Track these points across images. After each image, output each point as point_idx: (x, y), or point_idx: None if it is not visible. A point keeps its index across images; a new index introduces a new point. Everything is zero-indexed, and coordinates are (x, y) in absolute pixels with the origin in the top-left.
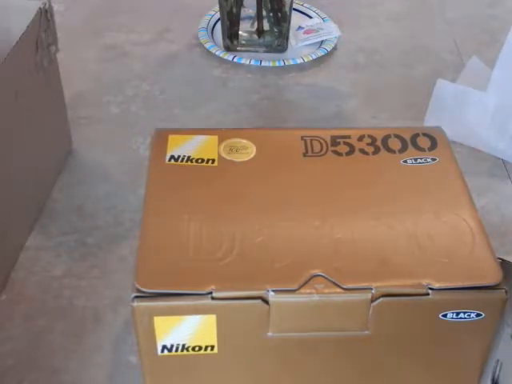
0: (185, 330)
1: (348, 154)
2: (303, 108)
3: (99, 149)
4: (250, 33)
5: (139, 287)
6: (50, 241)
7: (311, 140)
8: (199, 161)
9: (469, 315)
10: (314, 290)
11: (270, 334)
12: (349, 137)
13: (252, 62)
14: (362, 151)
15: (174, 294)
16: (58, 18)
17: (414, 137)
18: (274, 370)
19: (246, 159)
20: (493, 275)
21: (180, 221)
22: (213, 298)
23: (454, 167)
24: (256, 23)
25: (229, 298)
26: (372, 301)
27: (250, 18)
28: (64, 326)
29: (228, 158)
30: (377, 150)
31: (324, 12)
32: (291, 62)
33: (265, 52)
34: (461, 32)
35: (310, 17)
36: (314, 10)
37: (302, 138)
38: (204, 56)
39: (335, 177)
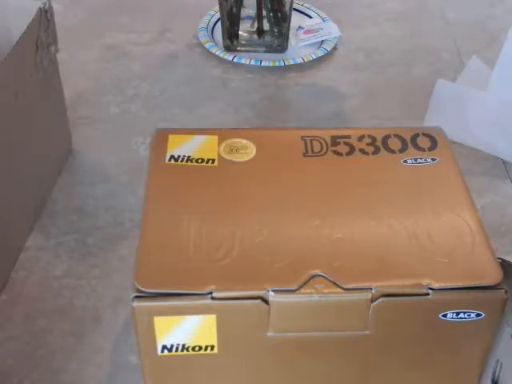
0: (185, 330)
1: (348, 154)
2: (303, 108)
3: (99, 149)
4: (250, 33)
5: (139, 287)
6: (49, 241)
7: (311, 140)
8: (199, 161)
9: (469, 315)
10: (313, 290)
11: (270, 333)
12: (349, 137)
13: (252, 62)
14: (362, 151)
15: (174, 294)
16: (57, 18)
17: (414, 137)
18: (273, 370)
19: (246, 159)
20: (493, 275)
21: (180, 221)
22: (213, 298)
23: (454, 167)
24: (256, 23)
25: (229, 297)
26: (372, 301)
27: (249, 18)
28: (64, 326)
29: (228, 157)
30: (377, 150)
31: (324, 12)
32: (291, 62)
33: (265, 52)
34: (461, 32)
35: (310, 17)
36: (314, 10)
37: (302, 137)
38: (204, 56)
39: (335, 177)
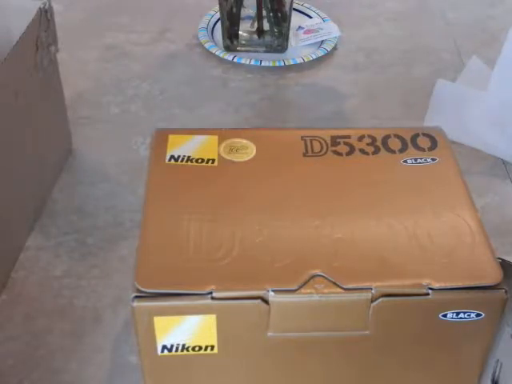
0: (185, 329)
1: (348, 154)
2: (303, 108)
3: (99, 149)
4: (250, 33)
5: (139, 287)
6: (49, 241)
7: (311, 140)
8: (199, 161)
9: (469, 315)
10: (313, 290)
11: (270, 333)
12: (349, 137)
13: (252, 62)
14: (362, 151)
15: (173, 294)
16: (57, 18)
17: (414, 137)
18: (273, 370)
19: (246, 159)
20: (493, 275)
21: (180, 221)
22: (213, 298)
23: (454, 167)
24: (256, 23)
25: (229, 298)
26: (372, 301)
27: (249, 18)
28: (64, 326)
29: (228, 158)
30: (377, 150)
31: (324, 12)
32: (291, 62)
33: (265, 52)
34: (461, 32)
35: (310, 17)
36: (314, 10)
37: (302, 137)
38: (204, 56)
39: (335, 177)
